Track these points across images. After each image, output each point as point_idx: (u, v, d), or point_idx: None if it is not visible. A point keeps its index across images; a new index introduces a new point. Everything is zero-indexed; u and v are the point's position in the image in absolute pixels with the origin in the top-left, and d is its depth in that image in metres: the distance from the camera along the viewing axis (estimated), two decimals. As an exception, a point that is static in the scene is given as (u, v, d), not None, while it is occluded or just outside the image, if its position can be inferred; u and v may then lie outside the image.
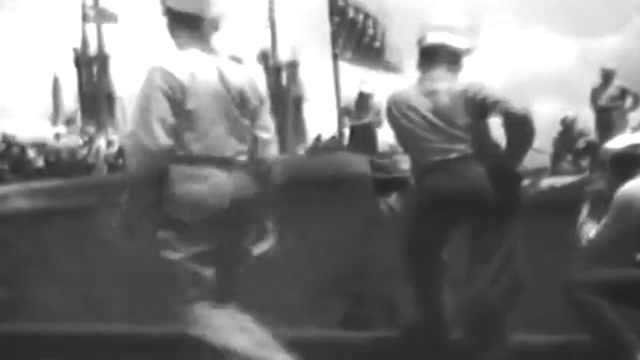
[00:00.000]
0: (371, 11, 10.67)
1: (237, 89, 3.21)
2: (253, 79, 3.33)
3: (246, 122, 3.25)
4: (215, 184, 3.09)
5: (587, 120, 11.52)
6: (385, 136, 10.68)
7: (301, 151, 10.60)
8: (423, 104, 3.69)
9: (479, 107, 3.60)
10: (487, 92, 3.60)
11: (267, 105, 3.39)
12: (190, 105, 3.07)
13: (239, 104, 3.22)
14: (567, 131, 11.53)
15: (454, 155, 3.60)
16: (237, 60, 3.41)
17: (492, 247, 3.55)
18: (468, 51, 3.87)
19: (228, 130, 3.17)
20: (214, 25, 3.28)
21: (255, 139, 3.30)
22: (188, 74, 3.08)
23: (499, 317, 3.56)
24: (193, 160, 3.08)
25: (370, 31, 10.59)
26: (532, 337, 3.75)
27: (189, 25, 3.23)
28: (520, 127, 3.55)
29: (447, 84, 3.70)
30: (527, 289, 3.58)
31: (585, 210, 3.70)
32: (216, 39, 3.30)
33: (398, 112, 3.78)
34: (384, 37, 10.68)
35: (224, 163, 3.14)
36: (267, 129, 3.35)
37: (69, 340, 4.54)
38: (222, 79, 3.18)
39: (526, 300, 3.57)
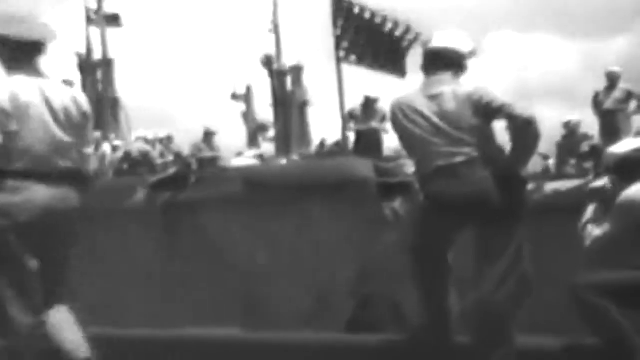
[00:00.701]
0: (378, 10, 10.50)
1: (61, 108, 3.40)
2: (77, 97, 3.51)
3: (70, 139, 3.43)
4: (27, 195, 3.27)
5: (591, 123, 11.53)
6: (391, 141, 10.65)
7: (295, 156, 10.51)
8: (428, 108, 3.69)
9: (484, 110, 3.61)
10: (492, 96, 3.61)
11: (92, 122, 3.59)
12: (12, 126, 3.26)
13: (62, 123, 3.39)
14: (571, 135, 11.52)
15: (459, 159, 3.61)
16: (68, 83, 3.58)
17: (498, 250, 3.56)
18: (472, 54, 3.88)
19: (50, 147, 3.35)
20: (39, 48, 3.46)
21: (81, 154, 3.51)
22: (9, 97, 3.26)
23: (507, 319, 3.56)
24: (14, 175, 3.26)
25: (378, 29, 10.43)
26: (539, 340, 3.75)
27: (13, 49, 3.41)
28: (525, 130, 3.56)
29: (452, 88, 3.70)
30: (533, 292, 3.59)
31: (589, 212, 3.70)
32: (43, 62, 3.50)
33: (402, 116, 3.78)
34: (395, 35, 10.49)
35: (43, 177, 3.31)
36: (89, 144, 3.65)
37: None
38: (45, 99, 3.36)
39: (533, 302, 3.57)
